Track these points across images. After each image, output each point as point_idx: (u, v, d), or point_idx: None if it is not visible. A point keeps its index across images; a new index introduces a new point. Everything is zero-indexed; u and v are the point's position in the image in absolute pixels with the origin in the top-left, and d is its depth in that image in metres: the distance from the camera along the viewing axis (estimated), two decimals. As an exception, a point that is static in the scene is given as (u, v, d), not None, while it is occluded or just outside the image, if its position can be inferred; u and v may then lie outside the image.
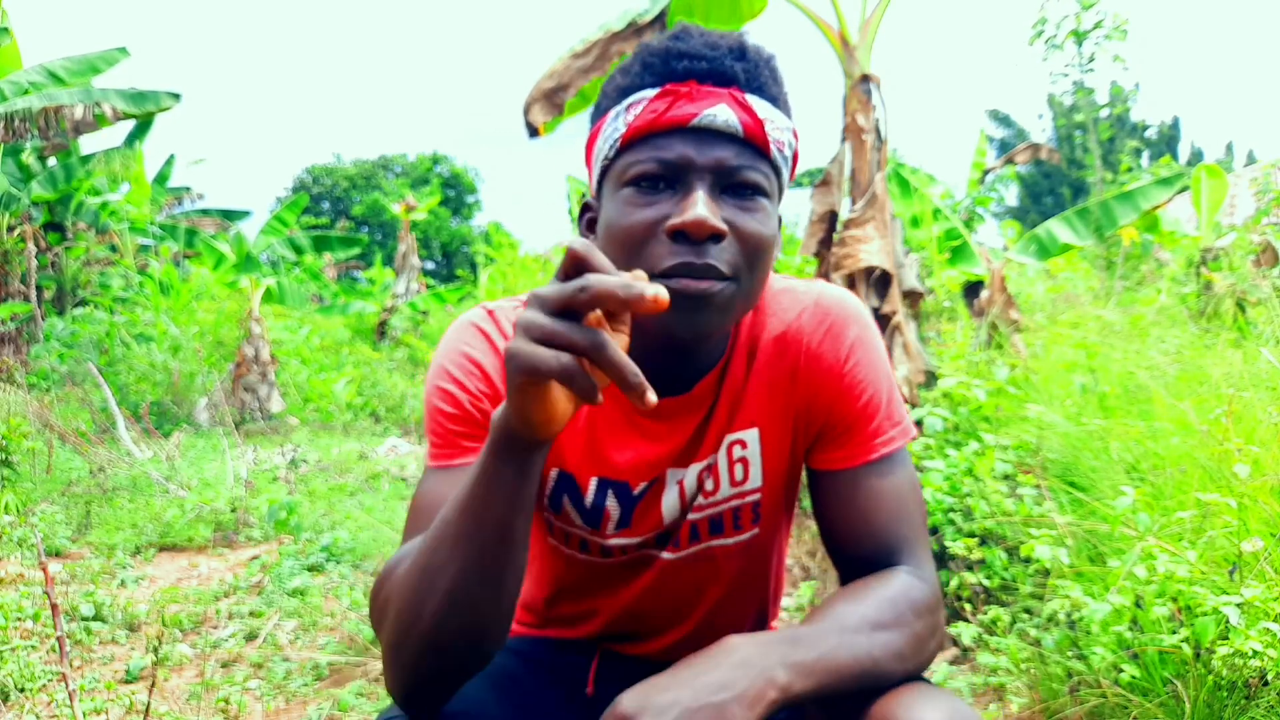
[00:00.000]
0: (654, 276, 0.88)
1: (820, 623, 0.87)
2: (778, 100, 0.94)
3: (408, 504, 0.99)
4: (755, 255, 0.91)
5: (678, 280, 0.87)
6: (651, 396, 0.65)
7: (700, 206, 0.86)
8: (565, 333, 0.66)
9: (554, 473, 1.06)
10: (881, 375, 1.04)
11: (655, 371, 1.00)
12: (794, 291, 1.06)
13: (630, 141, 0.92)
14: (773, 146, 0.92)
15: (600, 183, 0.97)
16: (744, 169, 0.90)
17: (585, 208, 1.04)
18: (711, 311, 0.89)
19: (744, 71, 0.91)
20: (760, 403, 1.04)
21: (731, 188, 0.91)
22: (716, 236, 0.87)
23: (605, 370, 0.66)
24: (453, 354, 1.00)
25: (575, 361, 0.66)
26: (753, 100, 0.91)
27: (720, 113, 0.89)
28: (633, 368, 0.65)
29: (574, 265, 0.69)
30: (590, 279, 0.67)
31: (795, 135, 0.97)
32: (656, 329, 0.91)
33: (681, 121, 0.89)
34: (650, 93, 0.91)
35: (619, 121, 0.92)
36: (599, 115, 0.97)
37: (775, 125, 0.92)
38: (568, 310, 0.67)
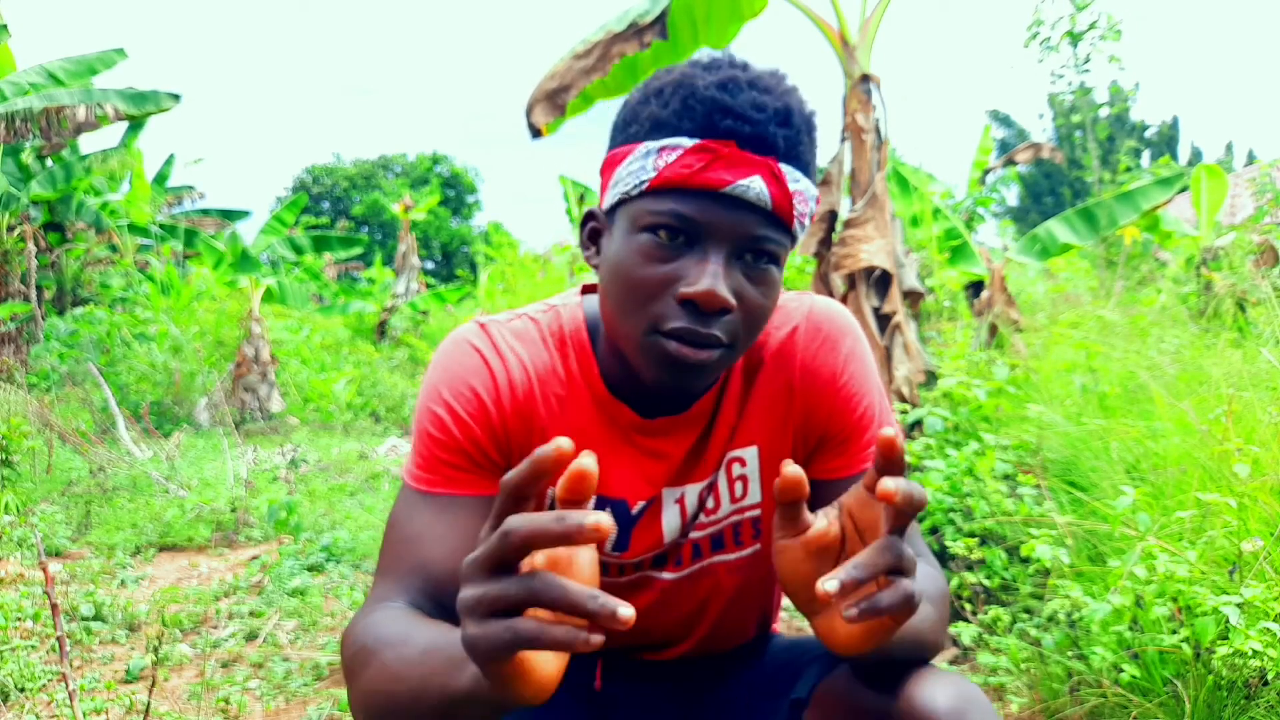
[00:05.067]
0: (655, 333, 0.89)
1: None
2: (809, 168, 0.92)
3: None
4: (756, 324, 0.92)
5: (677, 346, 0.88)
6: (624, 611, 0.56)
7: (716, 279, 0.86)
8: (502, 593, 0.58)
9: (551, 491, 1.05)
10: (874, 385, 1.07)
11: (651, 390, 1.00)
12: (785, 307, 1.07)
13: (657, 188, 0.89)
14: (796, 221, 0.91)
15: (614, 207, 0.94)
16: (764, 240, 0.89)
17: (589, 216, 1.00)
18: (703, 376, 0.91)
19: (785, 140, 0.88)
20: (759, 420, 1.05)
21: (747, 253, 0.90)
22: (725, 310, 0.88)
23: (562, 609, 0.56)
24: (446, 376, 0.99)
25: (532, 621, 0.57)
26: (787, 171, 0.88)
27: (754, 185, 0.86)
28: (589, 592, 0.56)
29: (495, 523, 0.61)
30: (511, 522, 0.58)
31: (817, 200, 0.96)
32: (649, 378, 0.92)
33: (714, 185, 0.86)
34: (687, 143, 0.87)
35: (648, 161, 0.88)
36: (628, 138, 0.91)
37: (803, 198, 0.91)
38: (500, 567, 0.59)
